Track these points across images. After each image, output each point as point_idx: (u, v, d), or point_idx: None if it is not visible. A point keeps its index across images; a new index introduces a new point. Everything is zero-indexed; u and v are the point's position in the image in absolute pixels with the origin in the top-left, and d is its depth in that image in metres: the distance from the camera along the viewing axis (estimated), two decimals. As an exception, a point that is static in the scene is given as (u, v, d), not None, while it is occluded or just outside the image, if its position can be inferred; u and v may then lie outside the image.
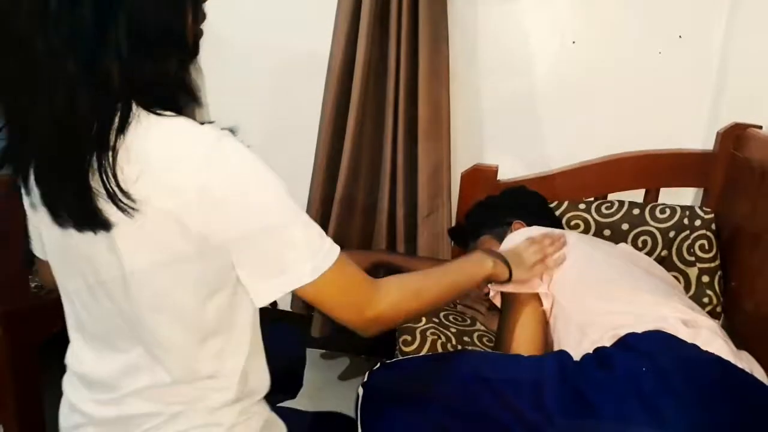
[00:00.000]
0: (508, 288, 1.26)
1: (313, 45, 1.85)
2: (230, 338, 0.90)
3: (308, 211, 1.88)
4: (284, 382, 1.32)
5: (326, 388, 1.98)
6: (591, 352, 1.09)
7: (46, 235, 0.88)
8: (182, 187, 0.74)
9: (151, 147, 0.75)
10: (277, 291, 0.82)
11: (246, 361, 0.92)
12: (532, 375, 1.06)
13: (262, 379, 0.98)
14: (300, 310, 1.94)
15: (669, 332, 1.07)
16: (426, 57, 1.69)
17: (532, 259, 1.27)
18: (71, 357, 0.98)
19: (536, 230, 1.46)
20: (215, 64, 2.00)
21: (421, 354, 1.35)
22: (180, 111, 0.79)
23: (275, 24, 1.94)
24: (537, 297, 1.28)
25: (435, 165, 1.78)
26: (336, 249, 0.85)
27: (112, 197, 0.73)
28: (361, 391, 1.16)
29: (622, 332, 1.08)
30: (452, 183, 1.82)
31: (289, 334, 1.38)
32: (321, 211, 1.88)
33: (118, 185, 0.73)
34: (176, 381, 0.88)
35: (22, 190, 0.83)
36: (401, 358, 1.29)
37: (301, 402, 1.88)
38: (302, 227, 0.82)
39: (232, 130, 0.79)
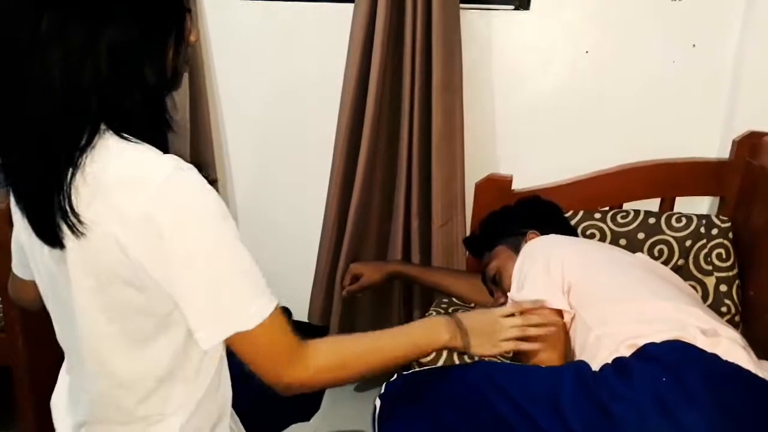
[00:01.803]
0: (526, 302, 1.24)
1: (329, 58, 1.87)
2: (188, 384, 0.90)
3: (324, 222, 1.89)
4: (301, 405, 1.29)
5: (343, 400, 1.97)
6: (609, 362, 1.08)
7: (34, 255, 0.90)
8: (128, 212, 0.75)
9: (107, 170, 0.76)
10: (217, 335, 0.81)
11: (198, 401, 0.91)
12: (549, 384, 1.06)
13: (210, 415, 0.96)
14: (317, 321, 1.95)
15: (688, 341, 1.06)
16: (440, 68, 1.70)
17: (506, 334, 1.11)
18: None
19: (552, 239, 1.45)
20: (234, 76, 2.04)
21: (437, 365, 1.35)
22: (152, 139, 0.80)
23: (292, 37, 1.96)
24: (557, 310, 1.27)
25: (449, 175, 1.78)
26: (273, 302, 0.84)
27: (63, 215, 0.75)
28: (378, 402, 1.17)
29: (641, 342, 1.07)
30: (466, 193, 1.82)
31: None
32: (337, 221, 1.89)
33: (69, 204, 0.74)
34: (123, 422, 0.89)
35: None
36: (418, 369, 1.29)
37: (317, 414, 1.87)
38: (244, 272, 0.82)
39: (199, 167, 0.80)
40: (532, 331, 1.13)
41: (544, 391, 1.04)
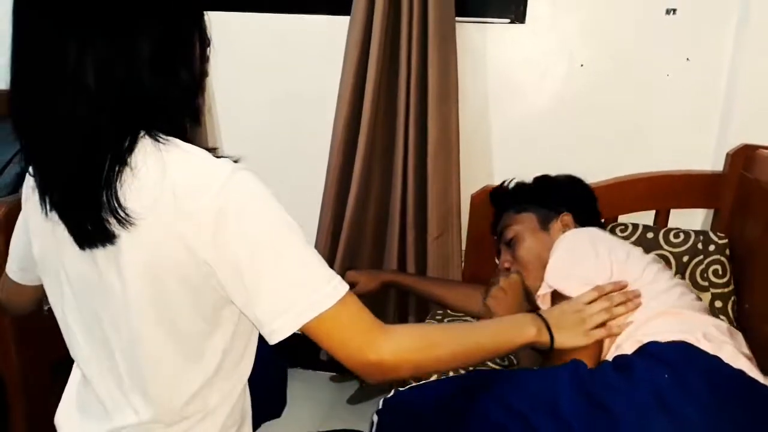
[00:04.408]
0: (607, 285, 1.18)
1: (325, 70, 1.87)
2: (229, 378, 0.92)
3: (318, 233, 1.89)
4: (267, 401, 1.30)
5: (335, 411, 1.96)
6: (609, 359, 1.08)
7: (60, 260, 0.88)
8: (197, 214, 0.77)
9: (170, 177, 0.77)
10: (296, 322, 0.80)
11: (236, 399, 0.94)
12: (547, 389, 1.05)
13: (246, 410, 0.99)
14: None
15: (692, 343, 1.06)
16: (435, 80, 1.71)
17: (593, 321, 1.10)
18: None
19: (595, 233, 1.40)
20: (231, 88, 2.03)
21: (433, 378, 1.34)
22: (185, 136, 0.83)
23: (288, 49, 1.96)
24: None
25: (444, 186, 1.78)
26: (345, 285, 0.83)
27: (112, 210, 0.76)
28: (375, 418, 1.16)
29: (645, 340, 1.07)
30: (462, 204, 1.82)
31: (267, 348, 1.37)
32: (331, 232, 1.88)
33: (117, 200, 0.76)
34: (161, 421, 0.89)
35: (43, 213, 0.83)
36: (414, 384, 1.28)
37: (309, 426, 1.86)
38: (311, 261, 0.83)
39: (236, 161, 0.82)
40: (620, 310, 1.12)
41: (543, 396, 1.03)
